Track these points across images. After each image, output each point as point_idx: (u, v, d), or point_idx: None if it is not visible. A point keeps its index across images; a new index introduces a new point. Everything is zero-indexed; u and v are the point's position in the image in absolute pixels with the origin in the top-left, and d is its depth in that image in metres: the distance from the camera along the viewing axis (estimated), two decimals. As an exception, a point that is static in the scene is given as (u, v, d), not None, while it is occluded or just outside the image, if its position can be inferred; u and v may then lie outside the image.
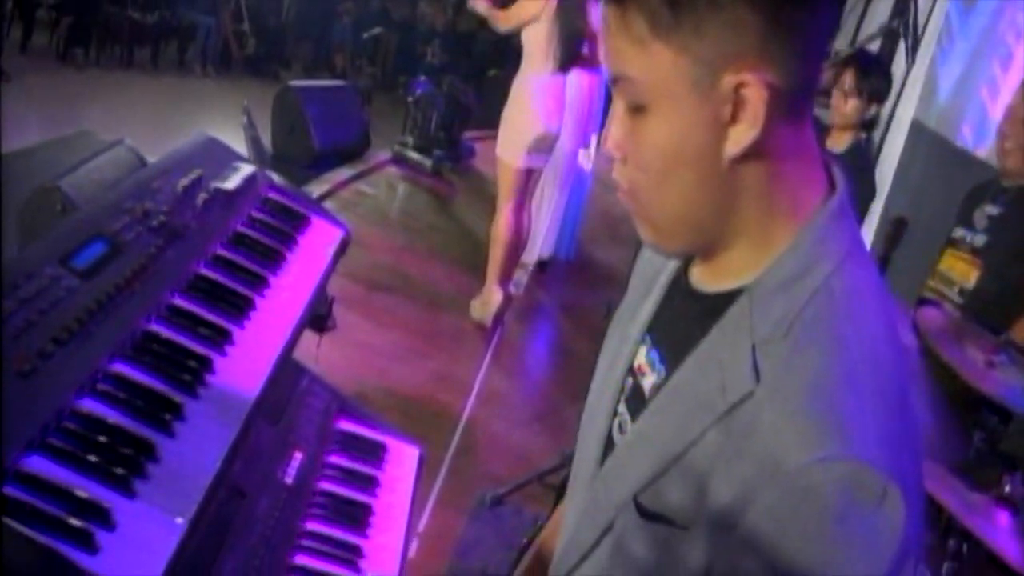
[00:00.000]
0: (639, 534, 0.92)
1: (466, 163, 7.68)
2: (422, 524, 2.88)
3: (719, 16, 0.82)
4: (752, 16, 0.82)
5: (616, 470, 0.98)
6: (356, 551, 1.59)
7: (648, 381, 0.99)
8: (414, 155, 7.21)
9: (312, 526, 1.58)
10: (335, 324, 2.41)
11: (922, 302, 3.13)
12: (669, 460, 0.89)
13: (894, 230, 3.28)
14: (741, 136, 0.85)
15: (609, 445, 1.03)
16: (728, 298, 0.91)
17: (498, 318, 4.72)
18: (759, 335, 0.86)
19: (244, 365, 1.47)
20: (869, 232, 5.12)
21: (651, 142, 0.88)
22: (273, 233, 1.87)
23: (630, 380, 1.03)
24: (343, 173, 6.19)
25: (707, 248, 0.94)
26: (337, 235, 2.09)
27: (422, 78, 8.13)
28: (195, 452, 1.23)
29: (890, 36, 4.69)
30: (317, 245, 1.99)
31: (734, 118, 0.85)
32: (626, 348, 1.05)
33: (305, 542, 1.54)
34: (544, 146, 4.65)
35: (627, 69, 0.87)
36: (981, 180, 3.34)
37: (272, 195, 2.03)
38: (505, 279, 4.77)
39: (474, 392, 3.99)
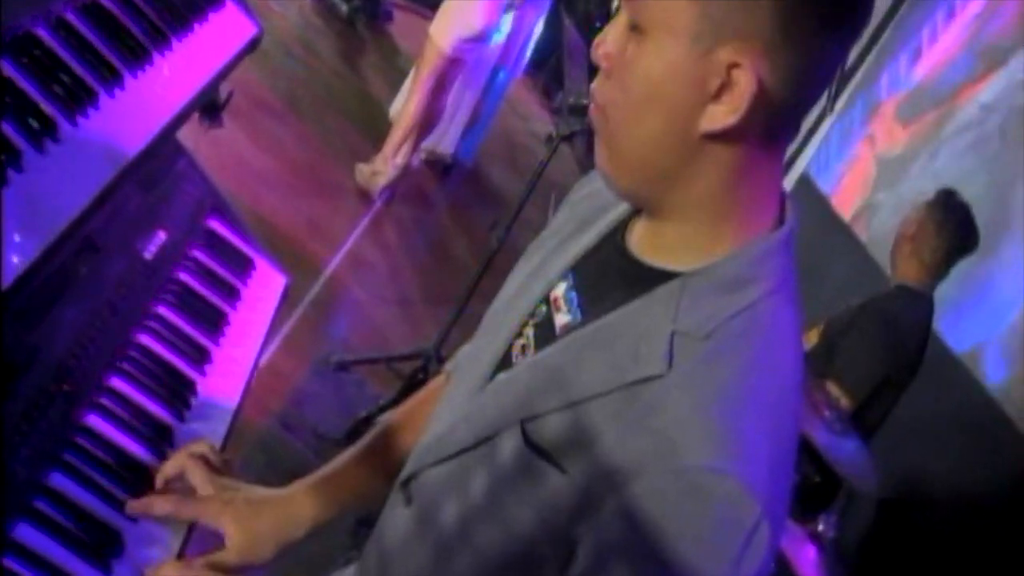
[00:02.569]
0: (516, 457, 0.96)
1: (381, 25, 7.43)
2: (264, 357, 2.82)
3: None
4: (769, 4, 0.85)
5: (509, 388, 1.02)
6: (204, 353, 1.52)
7: (561, 318, 1.04)
8: (329, -5, 6.92)
9: (162, 311, 1.51)
10: (222, 124, 2.30)
11: None
12: (567, 402, 0.94)
13: None
14: (719, 116, 0.88)
15: (505, 361, 1.07)
16: (660, 275, 0.96)
17: (387, 188, 4.71)
18: (681, 325, 0.92)
19: (131, 115, 1.37)
20: None
21: (639, 67, 0.91)
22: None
23: (543, 308, 1.07)
24: (256, -13, 5.90)
25: (652, 207, 0.98)
26: (250, 30, 1.96)
27: None
28: (63, 178, 1.14)
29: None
30: (227, 30, 1.87)
31: (718, 96, 0.88)
32: (545, 275, 1.09)
33: (152, 324, 1.46)
34: (476, 41, 4.79)
35: None
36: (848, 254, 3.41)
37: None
38: (399, 156, 4.82)
39: (344, 249, 3.91)
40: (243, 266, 1.83)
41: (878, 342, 3.05)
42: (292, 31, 5.84)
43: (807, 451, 2.81)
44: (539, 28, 5.53)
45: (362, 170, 4.75)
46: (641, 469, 0.87)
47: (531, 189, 3.02)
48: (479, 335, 1.17)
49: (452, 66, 4.84)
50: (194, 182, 1.85)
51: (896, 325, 3.08)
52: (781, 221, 0.98)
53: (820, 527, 2.33)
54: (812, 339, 3.29)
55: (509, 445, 0.97)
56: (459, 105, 5.32)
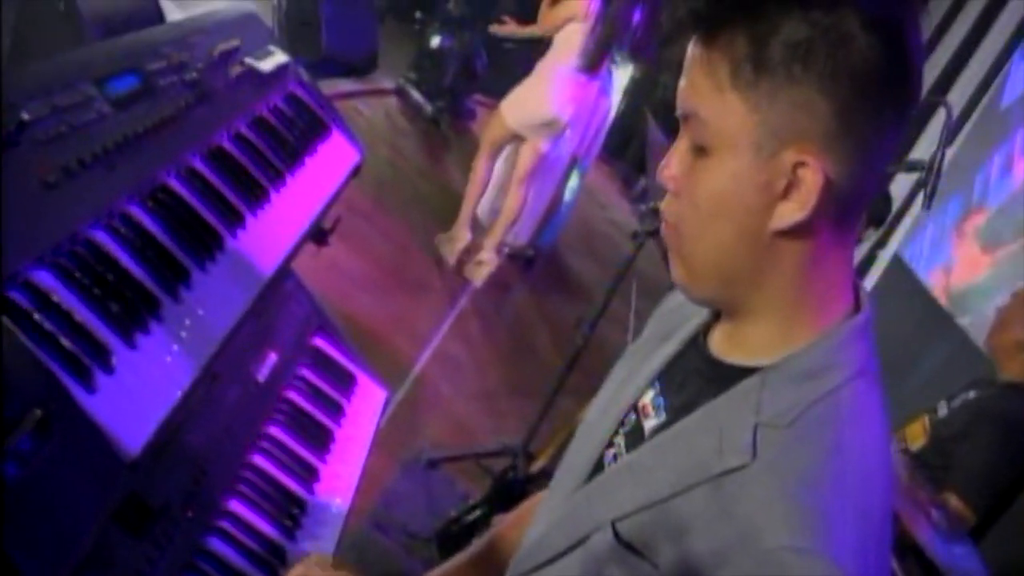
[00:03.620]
0: (611, 556, 0.97)
1: (464, 124, 7.63)
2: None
3: (795, 90, 0.87)
4: (825, 103, 0.87)
5: (602, 491, 1.04)
6: (313, 472, 1.59)
7: (650, 423, 1.05)
8: (417, 96, 7.12)
9: (275, 431, 1.58)
10: (328, 243, 2.39)
11: None
12: (655, 499, 0.95)
13: None
14: (788, 213, 0.90)
15: (598, 467, 1.09)
16: (741, 372, 0.97)
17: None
18: (764, 416, 0.92)
19: (251, 256, 1.46)
20: None
21: (705, 185, 0.93)
22: (295, 131, 1.86)
23: (632, 416, 1.09)
24: (344, 85, 6.10)
25: (730, 309, 1.00)
26: (353, 156, 2.07)
27: (440, 28, 8.01)
28: (195, 324, 1.22)
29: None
30: (334, 159, 1.98)
31: (786, 194, 0.89)
32: (634, 385, 1.11)
33: (265, 445, 1.53)
34: (544, 127, 4.93)
35: (699, 108, 0.92)
36: (948, 340, 3.36)
37: (299, 92, 2.00)
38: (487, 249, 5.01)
39: (431, 348, 3.99)
40: (347, 382, 1.90)
41: (998, 450, 2.94)
42: (379, 132, 6.02)
43: (914, 552, 2.74)
44: (612, 114, 5.62)
45: (441, 239, 4.95)
46: (728, 556, 0.86)
47: (615, 285, 3.04)
48: (573, 444, 1.18)
49: (518, 142, 5.02)
50: (300, 302, 1.94)
51: (1013, 428, 2.96)
52: (857, 307, 0.98)
53: None
54: (917, 434, 3.22)
55: (601, 545, 0.98)
56: (536, 196, 5.41)
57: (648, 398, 1.08)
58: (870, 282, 5.61)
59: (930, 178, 2.67)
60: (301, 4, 6.39)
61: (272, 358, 1.67)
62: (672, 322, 1.15)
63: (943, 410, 3.24)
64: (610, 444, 1.10)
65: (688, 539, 0.90)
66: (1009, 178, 4.61)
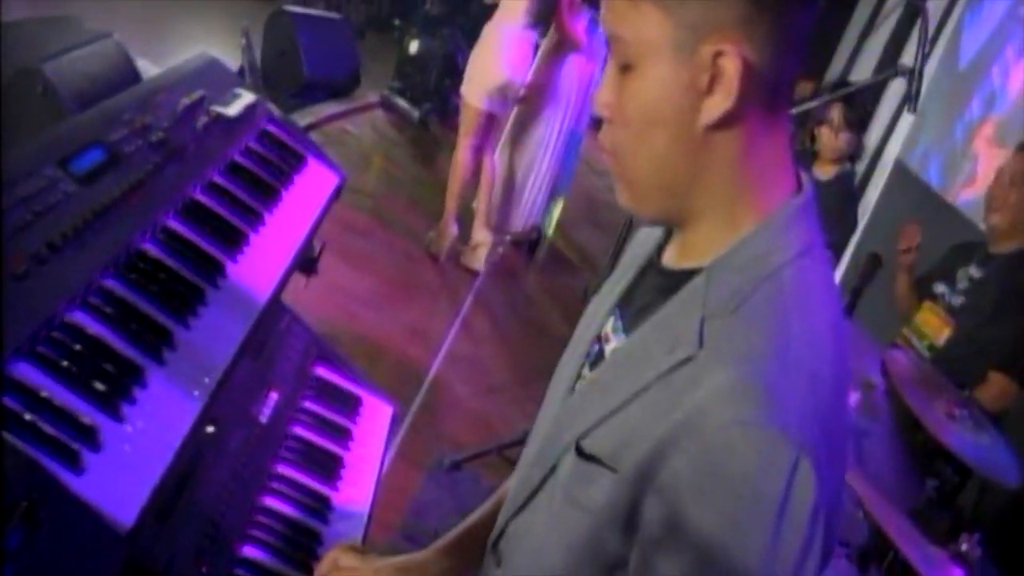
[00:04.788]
0: (576, 474, 0.98)
1: (453, 121, 7.60)
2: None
3: None
4: None
5: (567, 416, 1.04)
6: (325, 502, 1.59)
7: (610, 346, 1.07)
8: (403, 103, 7.11)
9: (283, 469, 1.58)
10: (317, 272, 2.39)
11: (893, 346, 3.23)
12: (614, 409, 0.96)
13: (868, 266, 3.38)
14: (715, 106, 0.90)
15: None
16: (690, 275, 0.97)
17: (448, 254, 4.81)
18: (709, 309, 0.93)
19: (235, 300, 1.46)
20: (843, 263, 5.22)
21: (634, 100, 0.94)
22: (270, 168, 1.85)
23: (596, 346, 1.09)
24: (329, 108, 6.09)
25: (678, 219, 1.00)
26: (333, 180, 2.06)
27: (418, 33, 7.96)
28: (183, 382, 1.22)
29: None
30: (312, 187, 1.97)
31: (710, 88, 0.90)
32: (597, 318, 1.12)
33: (275, 484, 1.53)
34: (503, 92, 4.84)
35: (619, 28, 0.93)
36: (960, 236, 3.43)
37: (271, 128, 1.99)
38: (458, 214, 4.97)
39: (443, 351, 3.98)
40: (352, 405, 1.90)
41: None
42: (369, 148, 6.01)
43: (942, 455, 2.77)
44: (598, 78, 5.53)
45: (431, 237, 4.91)
46: (678, 442, 0.87)
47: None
48: (548, 390, 1.18)
49: (489, 121, 4.94)
50: (297, 335, 1.93)
51: None
52: (799, 189, 0.98)
53: (964, 547, 2.16)
54: (936, 325, 3.23)
55: (567, 466, 0.99)
56: (536, 176, 5.36)
57: (609, 325, 1.08)
58: (875, 191, 5.59)
59: (913, 81, 2.70)
60: (277, 36, 6.37)
61: (273, 397, 1.67)
62: (635, 254, 1.15)
63: (952, 295, 3.23)
64: (579, 378, 1.10)
65: (643, 437, 0.91)
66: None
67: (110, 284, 1.27)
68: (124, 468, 1.03)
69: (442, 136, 6.94)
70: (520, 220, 5.40)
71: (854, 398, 2.69)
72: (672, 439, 0.88)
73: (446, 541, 1.29)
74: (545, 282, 5.47)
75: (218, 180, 1.70)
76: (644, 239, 1.15)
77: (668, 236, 1.07)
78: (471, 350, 4.19)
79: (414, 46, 7.50)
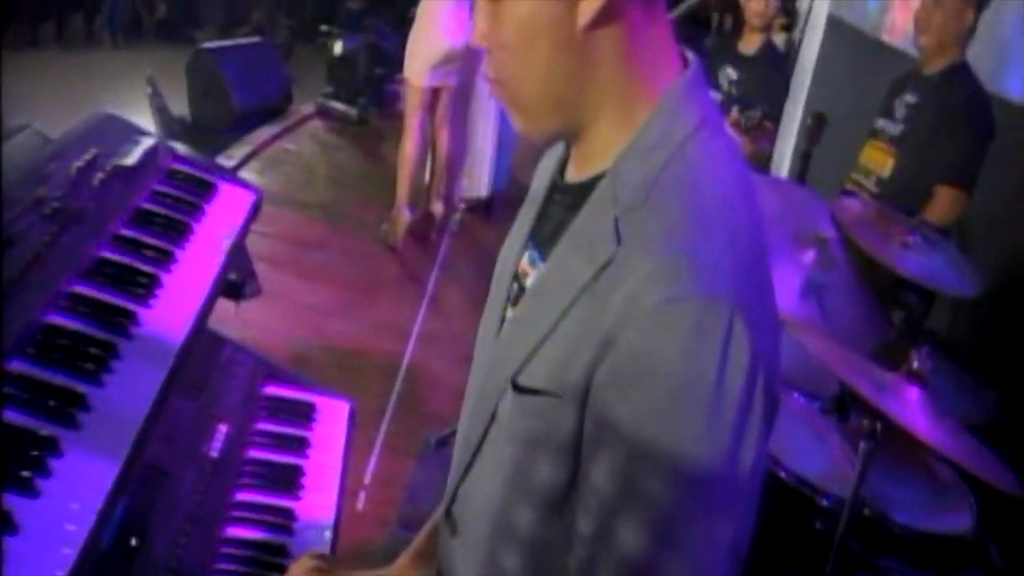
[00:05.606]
0: (515, 412, 0.95)
1: (391, 108, 7.54)
2: (369, 474, 2.88)
3: None
4: None
5: (497, 361, 1.00)
6: (288, 515, 1.58)
7: (530, 280, 1.02)
8: (338, 106, 7.07)
9: (242, 496, 1.57)
10: (260, 289, 2.36)
11: (843, 194, 3.24)
12: (543, 336, 0.92)
13: (814, 125, 3.39)
14: (589, 4, 0.88)
15: None
16: (595, 182, 0.94)
17: (430, 233, 4.83)
18: (621, 206, 0.90)
19: (152, 344, 1.44)
20: (791, 129, 5.18)
21: (508, 21, 0.92)
22: (178, 205, 1.82)
23: (515, 285, 1.06)
24: (266, 132, 6.04)
25: (575, 131, 0.97)
26: (248, 199, 2.03)
27: (342, 32, 7.87)
28: (102, 441, 1.21)
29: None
30: (226, 212, 1.94)
31: None
32: (512, 257, 1.08)
33: (236, 513, 1.53)
34: (447, 62, 4.80)
35: None
36: (900, 72, 3.44)
37: (176, 165, 1.97)
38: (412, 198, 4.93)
39: (413, 337, 3.97)
40: (305, 413, 1.89)
41: (967, 128, 3.02)
42: (312, 160, 5.95)
43: (904, 284, 2.80)
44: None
45: (383, 229, 4.87)
46: (614, 337, 0.85)
47: None
48: (476, 343, 1.14)
49: (434, 96, 4.90)
50: (242, 362, 1.92)
51: (968, 104, 3.04)
52: (685, 65, 0.96)
53: (915, 364, 2.10)
54: (880, 159, 3.27)
55: (507, 407, 0.96)
56: (482, 139, 5.33)
57: (525, 260, 1.05)
58: (812, 51, 5.56)
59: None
60: (200, 76, 6.30)
61: (223, 430, 1.66)
62: (539, 183, 1.12)
63: (891, 126, 3.27)
64: (503, 320, 1.07)
65: (579, 352, 0.88)
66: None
67: (16, 366, 1.26)
68: (45, 544, 1.02)
69: (384, 127, 6.88)
70: (473, 185, 5.38)
71: (809, 256, 2.67)
72: (608, 340, 0.85)
73: (413, 550, 1.26)
74: (505, 236, 5.43)
75: (123, 232, 1.67)
76: (545, 167, 1.12)
77: (568, 156, 1.04)
78: (442, 326, 4.17)
79: (338, 47, 7.44)
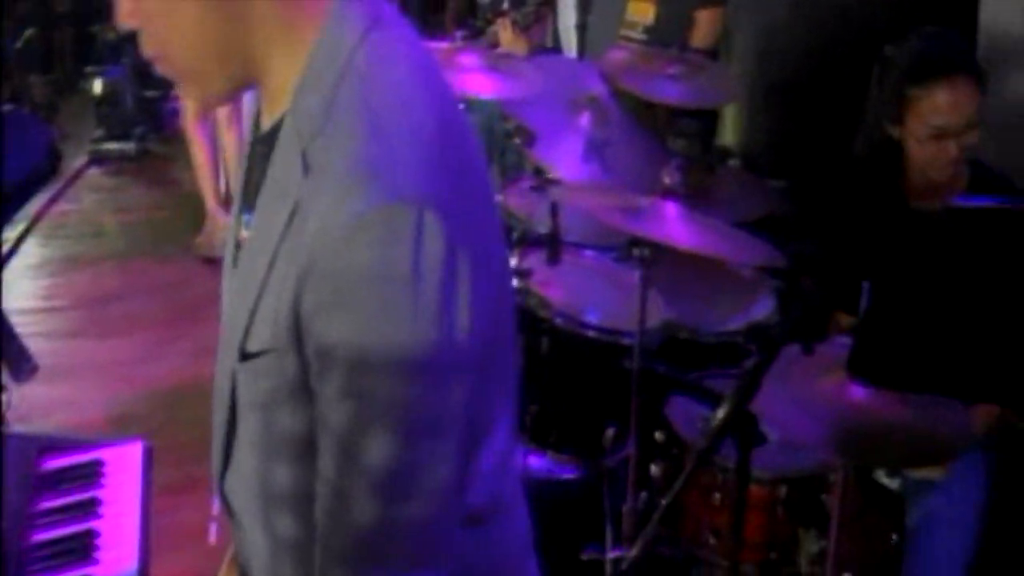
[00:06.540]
0: (250, 379, 0.92)
1: (174, 127, 7.21)
2: (216, 505, 2.85)
3: None
4: None
5: (226, 338, 0.97)
6: (87, 583, 1.58)
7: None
8: (112, 146, 6.70)
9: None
10: (36, 367, 2.30)
11: (610, 50, 3.34)
12: (256, 297, 0.90)
13: None
14: None
15: None
16: (280, 125, 0.92)
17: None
18: (304, 138, 0.87)
19: None
20: (568, 4, 5.19)
21: None
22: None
23: (238, 255, 1.02)
24: (37, 202, 5.71)
25: (251, 78, 0.94)
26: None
27: (102, 68, 7.44)
28: None
29: None
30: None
31: None
32: (235, 227, 1.04)
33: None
34: None
35: None
36: None
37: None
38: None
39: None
40: (92, 472, 1.84)
41: None
42: (97, 215, 5.59)
43: (678, 113, 2.97)
44: None
45: (198, 243, 4.74)
46: (311, 269, 0.83)
47: None
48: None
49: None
50: (12, 460, 1.86)
51: None
52: None
53: (667, 180, 2.13)
54: (643, 9, 3.47)
55: (242, 379, 0.93)
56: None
57: (243, 228, 1.01)
58: None
59: None
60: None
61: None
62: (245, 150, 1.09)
63: None
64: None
65: (287, 298, 0.86)
66: None
67: None
68: None
69: (170, 150, 6.57)
70: None
71: (585, 119, 2.70)
72: (305, 273, 0.83)
73: (229, 558, 1.22)
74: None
75: None
76: (248, 133, 1.08)
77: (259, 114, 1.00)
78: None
79: (98, 85, 7.03)
